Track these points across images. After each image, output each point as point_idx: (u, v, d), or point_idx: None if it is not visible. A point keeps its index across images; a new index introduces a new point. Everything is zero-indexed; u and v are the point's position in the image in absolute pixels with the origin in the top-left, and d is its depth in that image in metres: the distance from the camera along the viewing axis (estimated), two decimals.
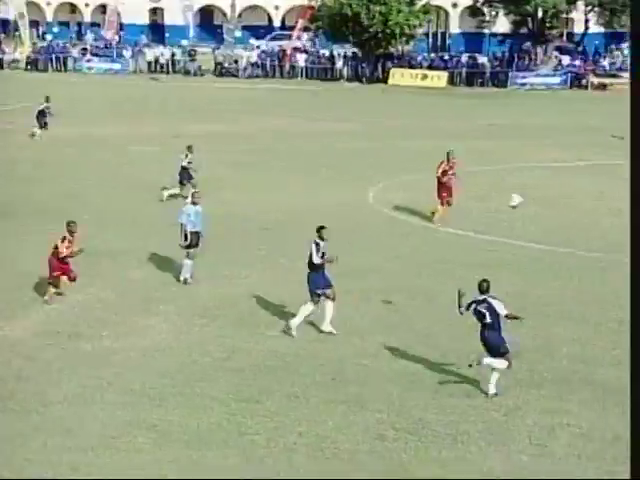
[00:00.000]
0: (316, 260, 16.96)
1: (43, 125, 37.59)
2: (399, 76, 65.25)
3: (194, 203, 20.28)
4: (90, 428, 13.33)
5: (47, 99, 37.79)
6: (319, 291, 17.04)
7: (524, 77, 64.27)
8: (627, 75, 63.40)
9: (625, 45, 68.55)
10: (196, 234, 20.05)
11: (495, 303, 14.49)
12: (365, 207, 27.42)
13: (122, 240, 23.14)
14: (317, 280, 17.07)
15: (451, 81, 64.80)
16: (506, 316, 14.54)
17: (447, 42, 75.03)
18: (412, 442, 12.90)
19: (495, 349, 14.41)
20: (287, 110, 49.62)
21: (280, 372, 15.26)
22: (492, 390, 14.38)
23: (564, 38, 69.90)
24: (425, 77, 64.98)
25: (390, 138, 40.53)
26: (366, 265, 21.18)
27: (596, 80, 63.02)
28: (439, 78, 64.71)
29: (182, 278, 19.98)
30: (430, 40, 73.84)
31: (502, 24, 69.89)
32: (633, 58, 9.81)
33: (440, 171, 25.24)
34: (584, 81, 63.18)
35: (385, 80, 65.10)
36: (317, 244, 17.04)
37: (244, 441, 12.92)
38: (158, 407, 13.99)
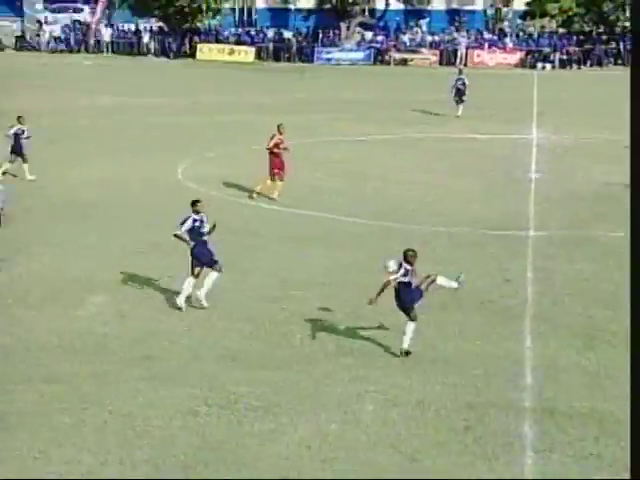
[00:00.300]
0: (177, 231, 17.01)
1: None
2: (207, 51, 64.99)
3: None
4: None
5: None
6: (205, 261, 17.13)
7: (329, 52, 65.25)
8: (426, 51, 65.44)
9: (423, 21, 70.59)
10: None
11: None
12: (174, 182, 27.25)
13: None
14: (202, 253, 17.08)
15: (258, 56, 65.05)
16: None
17: (253, 17, 75.05)
18: (225, 416, 13.00)
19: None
20: (93, 85, 48.62)
21: (89, 351, 15.06)
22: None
23: (366, 14, 71.18)
24: (232, 52, 64.96)
25: (199, 113, 40.38)
26: (170, 241, 21.05)
27: (397, 55, 64.66)
28: (246, 53, 64.84)
29: None
30: (237, 15, 73.67)
31: (307, 0, 70.58)
32: (633, 57, 10.18)
33: (272, 144, 25.29)
34: (386, 56, 64.71)
35: (193, 55, 64.71)
36: (187, 218, 17.12)
37: (53, 422, 12.70)
38: None
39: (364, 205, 25.06)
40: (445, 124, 38.96)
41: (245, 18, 74.64)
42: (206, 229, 17.20)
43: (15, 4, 74.65)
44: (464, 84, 40.59)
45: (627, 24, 68.79)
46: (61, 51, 64.85)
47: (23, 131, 27.13)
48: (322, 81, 54.60)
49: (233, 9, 72.29)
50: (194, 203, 17.35)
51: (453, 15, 72.92)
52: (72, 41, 66.00)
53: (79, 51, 65.28)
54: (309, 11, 71.04)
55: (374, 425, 12.73)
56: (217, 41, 66.39)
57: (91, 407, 13.16)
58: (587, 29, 69.32)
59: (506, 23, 71.54)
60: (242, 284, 18.47)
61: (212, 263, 17.11)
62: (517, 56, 65.42)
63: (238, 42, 66.29)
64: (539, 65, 64.52)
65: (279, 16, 72.81)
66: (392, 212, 24.28)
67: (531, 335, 15.89)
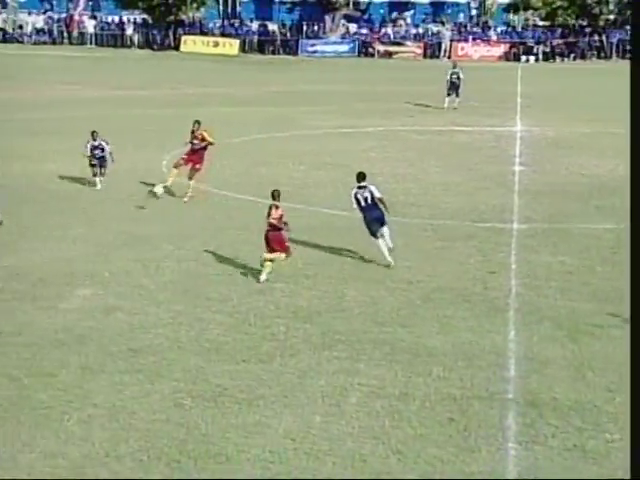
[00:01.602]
0: None
1: None
2: (191, 43, 64.88)
3: None
4: None
5: None
6: None
7: (313, 45, 65.24)
8: (410, 43, 65.49)
9: (408, 14, 70.67)
10: None
11: (373, 188, 18.82)
12: (158, 174, 27.17)
13: None
14: None
15: (243, 48, 64.96)
16: (380, 199, 18.71)
17: (238, 9, 74.94)
18: (209, 409, 13.00)
19: (382, 219, 18.95)
20: (77, 77, 48.43)
21: (74, 345, 15.02)
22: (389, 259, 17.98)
23: (351, 6, 71.20)
24: (217, 44, 64.89)
25: (184, 105, 40.29)
26: (157, 233, 21.08)
27: (382, 48, 64.68)
28: (231, 45, 64.77)
29: None
30: (221, 7, 73.55)
31: None
32: (633, 54, 10.25)
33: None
34: (371, 49, 64.74)
35: (177, 47, 64.56)
36: None
37: (36, 416, 12.67)
38: None
39: (348, 197, 24.99)
40: (429, 117, 39.01)
41: (229, 10, 74.54)
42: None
43: None
44: (459, 77, 40.54)
45: (610, 17, 69.03)
46: (44, 43, 64.53)
47: None
48: (306, 73, 54.56)
49: (217, 1, 72.16)
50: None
51: (437, 8, 73.05)
52: (55, 33, 65.66)
53: (62, 43, 64.99)
54: (293, 3, 71.02)
55: (358, 417, 12.75)
56: (201, 33, 66.28)
57: (76, 400, 13.14)
58: (570, 22, 69.57)
59: (489, 16, 71.64)
60: (228, 276, 18.47)
61: None
62: (501, 49, 65.58)
63: (223, 34, 66.18)
64: (523, 58, 64.69)
65: (263, 8, 72.75)
66: None
67: (515, 327, 15.93)
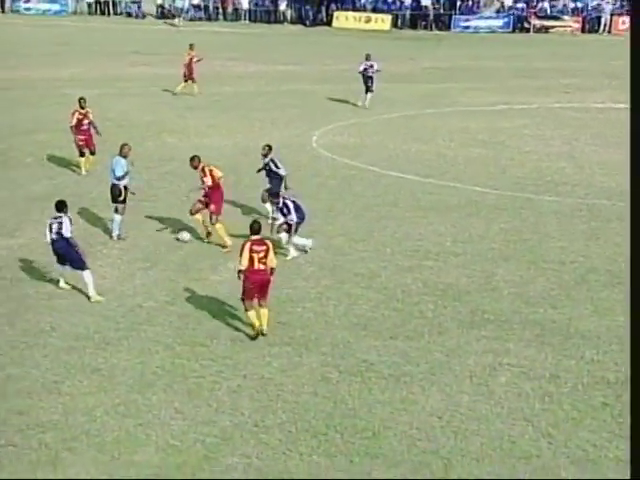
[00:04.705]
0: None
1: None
2: (343, 19, 64.90)
3: (125, 156, 19.22)
4: (33, 373, 13.27)
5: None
6: None
7: (467, 20, 64.31)
8: (568, 18, 63.76)
9: None
10: (125, 188, 19.22)
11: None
12: (309, 150, 27.36)
13: (66, 187, 22.95)
14: None
15: (395, 24, 64.56)
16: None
17: None
18: (356, 384, 13.03)
19: None
20: (231, 53, 49.15)
21: (224, 316, 15.28)
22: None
23: None
24: (369, 20, 64.68)
25: (334, 81, 40.38)
26: (309, 208, 21.18)
27: (538, 23, 63.25)
28: (383, 21, 64.46)
29: (114, 235, 19.17)
30: None
31: None
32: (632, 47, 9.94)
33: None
34: (526, 24, 63.40)
35: (329, 23, 64.71)
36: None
37: (189, 384, 12.96)
38: (102, 351, 13.97)
39: (500, 176, 24.67)
40: (586, 94, 37.96)
41: None
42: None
43: None
44: None
45: None
46: (199, 19, 65.71)
47: (371, 65, 33.85)
48: (460, 50, 53.88)
49: None
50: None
51: None
52: (211, 9, 66.73)
53: (217, 19, 66.04)
54: None
55: (507, 398, 12.56)
56: (354, 9, 66.19)
57: (226, 370, 13.38)
58: None
59: None
60: (377, 253, 18.45)
61: None
62: None
63: (375, 10, 65.92)
64: None
65: None
66: (528, 183, 23.84)
67: None
